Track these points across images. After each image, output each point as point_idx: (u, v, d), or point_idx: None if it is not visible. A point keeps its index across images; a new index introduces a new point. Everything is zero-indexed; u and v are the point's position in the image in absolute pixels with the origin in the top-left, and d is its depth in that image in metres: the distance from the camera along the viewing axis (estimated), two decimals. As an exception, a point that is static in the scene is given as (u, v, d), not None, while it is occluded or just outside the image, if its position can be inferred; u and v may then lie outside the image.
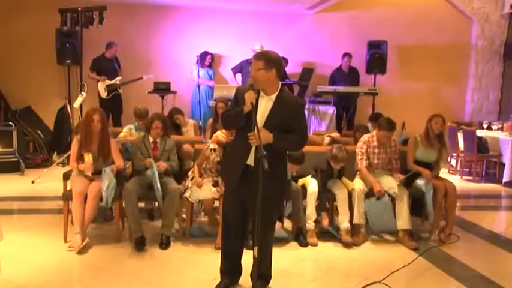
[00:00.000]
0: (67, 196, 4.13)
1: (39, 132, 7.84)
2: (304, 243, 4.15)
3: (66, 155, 6.47)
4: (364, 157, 4.48)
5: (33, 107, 8.11)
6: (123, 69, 7.96)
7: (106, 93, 7.59)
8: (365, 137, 4.55)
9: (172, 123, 5.30)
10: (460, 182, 7.10)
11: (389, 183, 4.44)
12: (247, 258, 3.00)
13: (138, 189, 4.13)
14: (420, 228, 4.66)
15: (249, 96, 2.78)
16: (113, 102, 7.64)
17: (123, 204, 4.11)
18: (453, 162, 7.93)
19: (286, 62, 8.28)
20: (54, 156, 7.57)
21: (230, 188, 2.94)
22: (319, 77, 8.47)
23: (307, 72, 8.06)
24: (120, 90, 7.64)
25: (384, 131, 4.46)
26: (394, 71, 8.82)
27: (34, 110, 8.11)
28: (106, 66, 7.72)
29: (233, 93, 2.99)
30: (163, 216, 4.19)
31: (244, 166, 2.82)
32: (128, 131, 5.05)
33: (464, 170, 7.64)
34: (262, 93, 2.85)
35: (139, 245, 3.98)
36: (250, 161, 2.83)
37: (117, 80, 7.62)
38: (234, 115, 2.83)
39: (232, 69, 8.24)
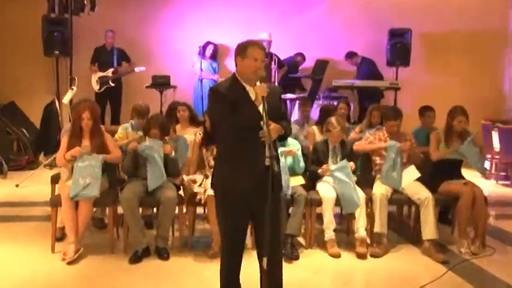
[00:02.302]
0: (55, 201, 4.15)
1: (24, 131, 7.87)
2: (293, 256, 4.10)
3: (54, 156, 6.46)
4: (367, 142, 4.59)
5: (18, 103, 8.15)
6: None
7: (98, 86, 7.63)
8: (375, 131, 4.63)
9: (173, 118, 5.28)
10: (495, 187, 7.03)
11: (412, 187, 4.43)
12: (252, 272, 2.98)
13: (137, 195, 4.15)
14: (449, 239, 4.63)
15: (262, 90, 2.77)
16: (110, 97, 7.67)
17: (125, 214, 4.12)
18: (487, 164, 7.84)
19: (303, 57, 8.28)
20: (41, 157, 7.59)
21: (238, 199, 2.84)
22: (334, 70, 8.44)
23: (321, 64, 8.04)
24: (112, 84, 7.67)
25: (391, 121, 4.49)
26: (419, 63, 8.74)
27: (18, 106, 8.15)
28: (103, 58, 7.78)
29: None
30: (157, 227, 4.22)
31: (260, 169, 2.79)
32: (124, 132, 5.06)
33: (500, 173, 7.51)
34: (248, 87, 2.86)
35: (142, 257, 4.02)
36: (267, 162, 2.80)
37: (109, 72, 7.66)
38: (248, 114, 2.79)
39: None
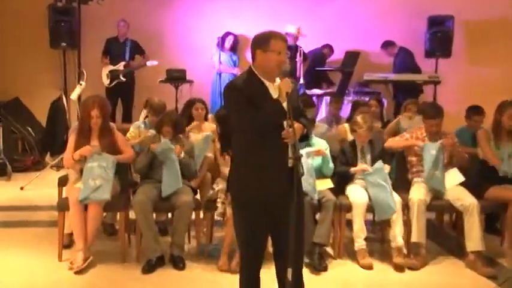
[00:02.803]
0: (63, 205, 4.22)
1: (29, 129, 7.91)
2: (321, 267, 4.11)
3: (61, 157, 6.49)
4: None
5: (22, 99, 8.22)
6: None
7: (108, 81, 7.71)
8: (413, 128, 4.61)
9: (188, 115, 5.33)
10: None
11: (455, 192, 4.38)
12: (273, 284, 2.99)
13: (151, 199, 4.21)
14: (498, 251, 4.54)
15: (286, 85, 2.78)
16: (121, 92, 7.73)
17: (137, 219, 4.18)
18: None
19: (331, 49, 8.25)
20: (47, 157, 7.66)
21: (259, 206, 2.84)
22: (366, 63, 8.38)
23: (351, 56, 7.99)
24: (123, 78, 7.73)
25: (430, 119, 4.46)
26: (462, 54, 8.61)
27: (23, 103, 8.22)
28: (115, 50, 7.84)
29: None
30: (172, 234, 4.27)
31: (283, 172, 2.80)
32: (136, 130, 5.13)
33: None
34: (267, 82, 2.87)
35: (156, 266, 4.07)
36: (290, 163, 2.80)
37: (120, 66, 7.73)
38: (273, 112, 2.79)
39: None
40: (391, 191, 4.30)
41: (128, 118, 7.84)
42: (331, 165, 4.55)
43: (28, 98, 8.22)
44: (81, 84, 6.20)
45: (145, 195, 4.18)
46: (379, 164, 4.38)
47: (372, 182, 4.34)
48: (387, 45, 8.17)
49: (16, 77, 8.26)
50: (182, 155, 4.38)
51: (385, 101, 7.50)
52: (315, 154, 4.38)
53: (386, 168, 4.39)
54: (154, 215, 4.45)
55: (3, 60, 8.26)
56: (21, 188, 6.27)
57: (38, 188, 6.24)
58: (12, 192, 6.17)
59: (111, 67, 7.74)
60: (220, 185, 4.30)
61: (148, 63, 7.74)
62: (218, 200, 4.27)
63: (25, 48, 8.22)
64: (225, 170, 4.27)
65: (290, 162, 2.72)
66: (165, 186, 4.25)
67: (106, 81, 7.74)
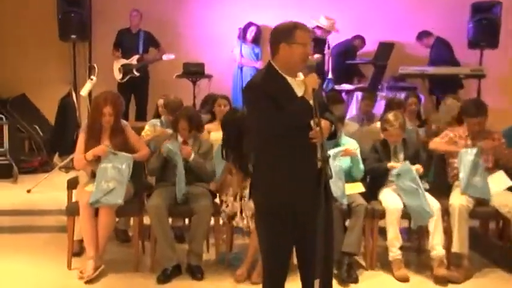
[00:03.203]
0: (72, 210, 4.28)
1: (37, 128, 8.00)
2: (351, 279, 4.10)
3: (70, 157, 6.52)
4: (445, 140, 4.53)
5: (29, 95, 8.33)
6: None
7: (121, 76, 7.78)
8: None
9: (208, 111, 5.35)
10: None
11: (502, 198, 4.32)
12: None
13: (167, 203, 4.25)
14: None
15: (313, 81, 2.79)
16: (134, 88, 7.78)
17: (152, 225, 4.22)
18: None
19: (362, 41, 8.21)
20: (56, 158, 7.71)
21: (285, 212, 2.86)
22: (401, 55, 8.31)
23: (385, 48, 7.93)
24: (136, 73, 7.79)
25: (472, 118, 4.43)
26: (510, 44, 8.49)
27: (30, 99, 8.33)
28: (127, 42, 7.90)
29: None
30: (190, 241, 4.30)
31: (311, 175, 2.80)
32: (152, 129, 5.17)
33: None
34: (289, 78, 2.87)
35: (172, 276, 4.11)
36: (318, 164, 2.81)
37: (133, 59, 7.78)
38: (301, 111, 2.79)
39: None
40: (424, 194, 4.26)
41: (141, 116, 7.88)
42: (362, 166, 4.53)
43: (35, 94, 8.32)
44: (91, 80, 6.25)
45: (160, 199, 4.23)
46: (405, 165, 4.35)
47: (401, 186, 4.32)
48: (423, 35, 8.09)
49: (23, 72, 8.35)
50: (192, 156, 4.39)
51: (422, 97, 7.42)
52: (342, 154, 4.37)
53: (418, 168, 4.35)
54: (170, 220, 4.50)
55: (9, 54, 8.36)
56: (28, 191, 6.31)
57: (46, 191, 6.29)
58: (19, 196, 6.23)
59: (124, 61, 7.80)
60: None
61: (165, 56, 7.76)
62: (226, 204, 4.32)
63: (32, 41, 8.33)
64: (234, 183, 4.34)
65: (319, 164, 2.73)
66: (177, 190, 4.31)
67: (118, 76, 7.81)
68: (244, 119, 4.19)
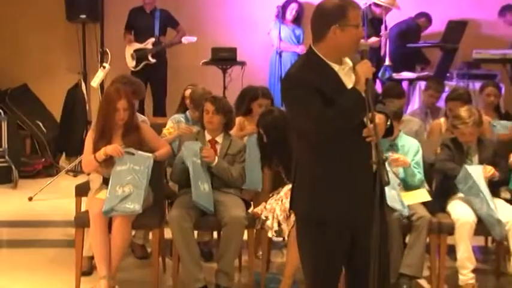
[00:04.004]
0: (82, 221, 4.34)
1: (40, 124, 8.11)
2: None
3: (79, 159, 6.60)
4: None
5: (32, 86, 8.44)
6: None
7: (134, 63, 7.83)
8: None
9: (246, 110, 5.38)
10: None
11: None
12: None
13: (192, 214, 4.28)
14: None
15: (367, 69, 2.79)
16: (150, 77, 7.79)
17: (174, 240, 4.26)
18: None
19: (428, 19, 8.13)
20: (62, 159, 7.87)
21: (336, 227, 2.86)
22: (476, 36, 8.20)
23: (456, 28, 7.85)
24: (152, 60, 7.84)
25: None
26: None
27: (32, 91, 8.45)
28: (141, 23, 7.94)
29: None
30: (218, 258, 4.34)
31: (366, 181, 2.80)
32: (175, 125, 5.22)
33: None
34: (336, 66, 2.87)
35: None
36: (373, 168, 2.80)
37: (148, 43, 7.84)
38: (354, 106, 2.78)
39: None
40: (491, 199, 4.22)
41: (159, 110, 7.96)
42: (419, 176, 4.52)
43: (39, 84, 8.43)
44: (104, 68, 6.31)
45: (184, 209, 4.27)
46: (473, 168, 4.33)
47: (468, 194, 4.30)
48: (506, 10, 7.97)
49: (24, 59, 8.45)
50: (215, 161, 4.44)
51: (502, 87, 7.31)
52: (394, 164, 4.37)
53: (491, 172, 4.31)
54: (196, 234, 4.55)
55: (8, 38, 8.43)
56: (30, 199, 6.41)
57: (51, 198, 6.39)
58: (19, 204, 6.33)
59: (137, 45, 7.84)
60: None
61: (184, 39, 7.78)
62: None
63: (35, 23, 8.40)
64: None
65: (374, 167, 2.74)
66: (194, 197, 4.33)
67: (131, 63, 7.86)
68: (284, 117, 4.32)
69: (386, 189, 2.90)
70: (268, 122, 4.52)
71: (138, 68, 7.81)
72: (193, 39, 7.77)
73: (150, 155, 4.34)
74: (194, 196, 4.23)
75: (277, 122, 4.47)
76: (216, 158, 4.46)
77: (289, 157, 4.28)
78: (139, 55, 7.81)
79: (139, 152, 4.32)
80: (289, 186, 4.02)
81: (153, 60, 7.83)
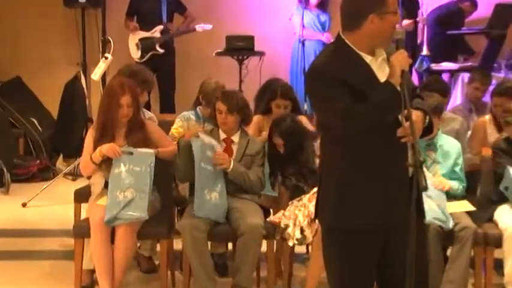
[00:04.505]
0: (82, 230, 4.37)
1: (35, 122, 8.14)
2: None
3: (78, 161, 6.40)
4: None
5: (25, 79, 8.45)
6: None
7: (139, 53, 7.85)
8: None
9: (265, 108, 5.36)
10: None
11: None
12: None
13: (206, 222, 4.29)
14: None
15: (403, 60, 2.78)
16: (157, 70, 7.74)
17: (186, 251, 4.27)
18: None
19: (473, 3, 8.10)
20: (60, 161, 7.86)
21: (369, 237, 2.87)
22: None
23: (504, 12, 7.80)
24: (159, 50, 7.85)
25: None
26: None
27: (26, 84, 8.45)
28: (146, 8, 7.93)
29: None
30: (234, 272, 4.36)
31: (401, 186, 2.81)
32: (185, 123, 5.21)
33: None
34: (368, 57, 2.87)
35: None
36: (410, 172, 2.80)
37: (155, 31, 7.85)
38: (387, 101, 2.78)
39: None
40: None
41: (168, 106, 7.98)
42: (460, 186, 4.56)
43: (33, 77, 8.45)
44: (106, 58, 6.27)
45: (196, 217, 4.28)
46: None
47: None
48: None
49: (17, 48, 8.50)
50: (231, 166, 4.45)
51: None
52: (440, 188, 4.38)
53: None
54: (209, 245, 4.56)
55: (1, 26, 8.46)
56: (24, 205, 6.42)
57: (47, 204, 6.41)
58: (11, 211, 6.34)
59: (143, 33, 7.86)
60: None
61: (199, 27, 7.77)
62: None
63: (30, 8, 8.44)
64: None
65: (410, 171, 2.74)
66: (195, 206, 4.37)
67: (135, 54, 7.88)
68: (298, 122, 4.48)
69: (426, 200, 2.90)
70: (284, 129, 4.57)
71: (144, 59, 7.80)
72: (209, 26, 7.78)
73: (151, 151, 4.35)
74: (197, 210, 4.26)
75: (292, 129, 4.56)
76: (232, 161, 4.47)
77: (306, 163, 4.43)
78: (146, 45, 7.83)
79: (139, 150, 4.33)
80: (313, 190, 4.07)
81: (161, 51, 7.85)
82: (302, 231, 4.24)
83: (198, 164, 4.33)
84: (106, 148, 4.28)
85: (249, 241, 4.26)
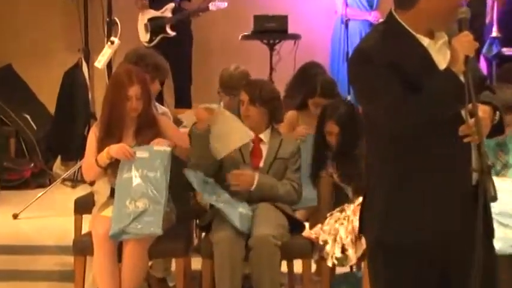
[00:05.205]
0: (83, 246, 4.41)
1: (28, 118, 8.22)
2: None
3: (79, 164, 6.64)
4: None
5: (17, 68, 8.54)
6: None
7: (148, 36, 7.92)
8: None
9: (301, 104, 5.40)
10: None
11: None
12: None
13: (243, 236, 4.31)
14: None
15: (466, 44, 2.75)
16: (169, 55, 7.69)
17: (218, 273, 4.26)
18: None
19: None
20: (57, 165, 7.96)
21: (427, 256, 2.84)
22: None
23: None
24: (170, 32, 7.89)
25: None
26: None
27: (19, 74, 8.55)
28: None
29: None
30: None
31: (465, 195, 2.79)
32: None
33: None
34: (426, 40, 2.84)
35: None
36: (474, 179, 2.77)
37: (166, 10, 7.91)
38: (448, 93, 2.77)
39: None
40: None
41: (183, 100, 8.02)
42: None
43: (27, 65, 8.53)
44: (112, 43, 6.33)
45: (234, 229, 4.26)
46: None
47: None
48: None
49: (7, 32, 8.58)
50: (255, 184, 4.45)
51: None
52: None
53: None
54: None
55: None
56: (15, 216, 6.47)
57: (42, 215, 6.45)
58: (1, 223, 6.38)
59: (152, 12, 7.92)
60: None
61: (212, 5, 7.77)
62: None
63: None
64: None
65: (474, 178, 2.72)
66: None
67: (144, 36, 7.95)
68: (355, 110, 4.37)
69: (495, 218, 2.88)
70: (342, 114, 4.59)
71: (153, 43, 7.87)
72: (224, 4, 7.78)
73: (167, 149, 4.34)
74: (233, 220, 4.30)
75: (352, 115, 4.56)
76: (256, 177, 4.45)
77: (357, 162, 4.37)
78: (155, 26, 7.90)
79: (154, 148, 4.33)
80: (359, 201, 4.06)
81: (172, 33, 7.90)
82: (344, 249, 4.24)
83: (209, 198, 4.41)
84: (116, 150, 4.30)
85: (257, 258, 4.26)
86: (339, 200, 4.58)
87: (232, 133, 4.45)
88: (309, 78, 5.54)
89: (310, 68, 5.75)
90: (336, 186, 4.68)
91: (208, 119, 4.43)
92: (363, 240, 3.92)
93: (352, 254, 4.22)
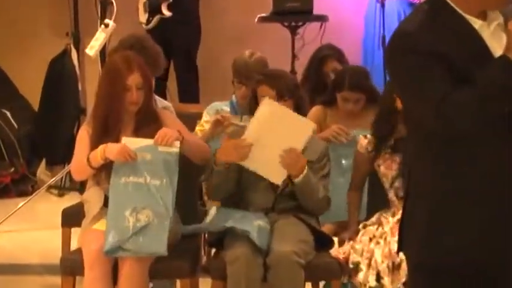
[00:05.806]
0: (72, 264, 4.40)
1: (8, 114, 8.33)
2: None
3: (67, 169, 6.63)
4: None
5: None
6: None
7: (146, 17, 7.99)
8: None
9: (329, 98, 5.41)
10: None
11: None
12: None
13: (262, 253, 4.29)
14: None
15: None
16: (170, 41, 7.82)
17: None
18: None
19: None
20: (42, 169, 8.04)
21: (478, 279, 2.84)
22: None
23: None
24: (166, 13, 7.93)
25: None
26: None
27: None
28: None
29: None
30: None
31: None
32: (214, 118, 5.19)
33: None
34: (477, 22, 2.80)
35: None
36: None
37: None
38: (504, 84, 2.73)
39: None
40: None
41: (189, 94, 8.08)
42: None
43: (5, 53, 8.63)
44: (106, 26, 6.33)
45: (250, 245, 4.25)
46: None
47: None
48: None
49: None
50: (304, 171, 4.44)
51: None
52: None
53: None
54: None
55: None
56: None
57: (24, 229, 6.53)
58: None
59: None
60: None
61: None
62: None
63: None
64: None
65: None
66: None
67: (142, 16, 8.03)
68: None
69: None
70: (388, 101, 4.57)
71: (151, 25, 7.96)
72: None
73: (175, 150, 4.29)
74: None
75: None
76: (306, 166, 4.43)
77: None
78: (151, 4, 7.97)
79: (159, 150, 4.29)
80: (398, 216, 4.04)
81: (167, 14, 7.96)
82: (379, 277, 4.23)
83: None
84: (115, 152, 4.23)
85: (277, 279, 4.25)
86: (378, 204, 4.57)
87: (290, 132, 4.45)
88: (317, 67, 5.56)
89: (319, 52, 5.75)
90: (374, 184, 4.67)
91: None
92: (402, 268, 3.98)
93: (388, 284, 4.19)
